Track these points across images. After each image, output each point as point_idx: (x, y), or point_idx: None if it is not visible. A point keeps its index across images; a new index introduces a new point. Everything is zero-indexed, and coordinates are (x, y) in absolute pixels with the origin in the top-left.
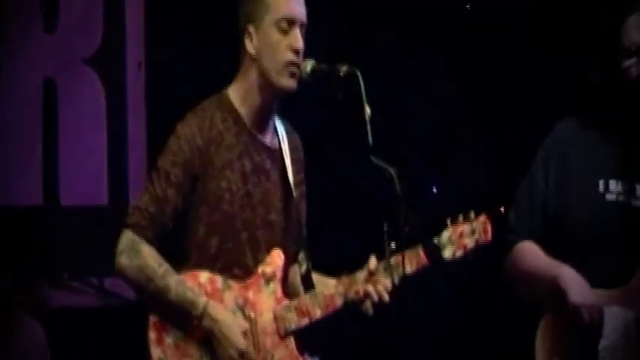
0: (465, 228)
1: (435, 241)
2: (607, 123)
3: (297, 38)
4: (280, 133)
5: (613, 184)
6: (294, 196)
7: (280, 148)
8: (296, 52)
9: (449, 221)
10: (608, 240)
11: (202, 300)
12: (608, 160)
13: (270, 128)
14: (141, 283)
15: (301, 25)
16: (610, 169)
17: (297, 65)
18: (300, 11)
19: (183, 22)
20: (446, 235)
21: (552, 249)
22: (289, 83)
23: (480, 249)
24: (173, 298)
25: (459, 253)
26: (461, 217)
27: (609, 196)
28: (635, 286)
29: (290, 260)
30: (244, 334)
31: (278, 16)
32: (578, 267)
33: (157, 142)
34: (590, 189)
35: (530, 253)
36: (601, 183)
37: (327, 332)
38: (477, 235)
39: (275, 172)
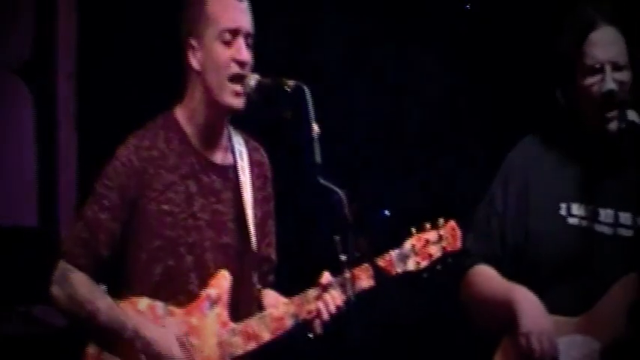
0: (432, 235)
1: (397, 251)
2: (570, 143)
3: (241, 49)
4: (238, 150)
5: (575, 208)
6: (251, 215)
7: (236, 166)
8: (241, 64)
9: (414, 230)
10: (571, 266)
11: (133, 321)
12: (571, 183)
13: (222, 146)
14: (73, 311)
15: (247, 35)
16: (573, 192)
17: (243, 79)
18: (244, 20)
19: (118, 31)
20: (408, 244)
21: (512, 275)
22: (234, 102)
23: (448, 258)
24: (103, 322)
25: (424, 263)
26: (428, 225)
27: (571, 220)
28: (599, 313)
29: (247, 283)
30: (181, 344)
31: (220, 27)
32: (540, 294)
33: (88, 159)
34: (551, 213)
35: (485, 276)
36: (563, 206)
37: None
38: (444, 243)
39: (228, 192)
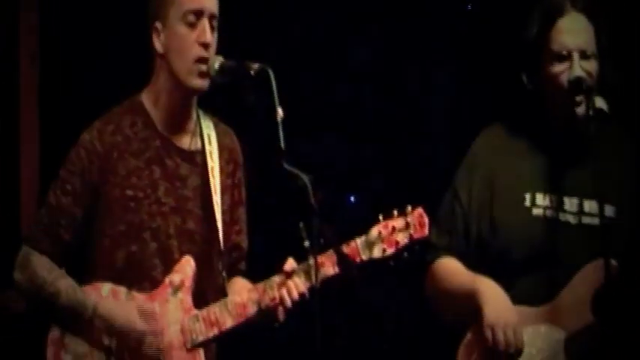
0: (399, 223)
1: (363, 238)
2: (535, 131)
3: (205, 31)
4: (206, 134)
5: (540, 198)
6: (218, 202)
7: (204, 151)
8: (205, 46)
9: (381, 217)
10: (536, 257)
11: (92, 299)
12: (535, 172)
13: (190, 130)
14: (34, 294)
15: (211, 17)
16: (537, 182)
17: (207, 61)
18: (208, 2)
19: (83, 13)
20: (375, 231)
21: (477, 267)
22: (199, 83)
23: (415, 246)
24: (64, 302)
25: (391, 250)
26: (395, 212)
27: (536, 211)
28: (563, 303)
29: (214, 271)
30: (141, 313)
31: (183, 8)
32: (506, 286)
33: (49, 143)
34: (516, 204)
35: (450, 269)
36: (527, 197)
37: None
38: (411, 230)
39: (195, 178)
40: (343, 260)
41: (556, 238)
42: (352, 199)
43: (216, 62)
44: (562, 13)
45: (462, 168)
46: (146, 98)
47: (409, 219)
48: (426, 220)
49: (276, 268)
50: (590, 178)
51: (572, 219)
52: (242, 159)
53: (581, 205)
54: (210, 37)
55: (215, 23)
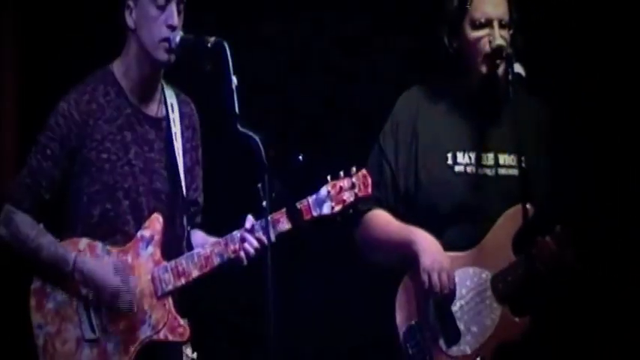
0: (345, 183)
1: (314, 197)
2: (455, 92)
3: (172, 14)
4: (170, 103)
5: (460, 156)
6: (181, 163)
7: (168, 118)
8: (171, 28)
9: (329, 177)
10: (461, 210)
11: (72, 255)
12: (454, 132)
13: (156, 99)
14: (17, 249)
15: (179, 1)
16: (457, 141)
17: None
18: None
19: None
20: (324, 190)
21: (406, 220)
22: (165, 57)
23: (359, 203)
24: (45, 257)
25: (338, 208)
26: (341, 173)
27: (458, 168)
28: (487, 246)
29: (178, 225)
30: (115, 270)
31: None
32: (435, 235)
33: (29, 113)
34: (439, 163)
35: (382, 219)
36: (449, 156)
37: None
38: (356, 189)
39: (160, 142)
40: (296, 217)
41: (477, 191)
42: (300, 157)
43: (177, 37)
44: None
45: (387, 128)
46: (117, 69)
47: (354, 179)
48: (370, 180)
49: (236, 224)
50: (505, 133)
51: (489, 172)
52: (199, 125)
53: (496, 159)
54: (177, 21)
55: (182, 7)
